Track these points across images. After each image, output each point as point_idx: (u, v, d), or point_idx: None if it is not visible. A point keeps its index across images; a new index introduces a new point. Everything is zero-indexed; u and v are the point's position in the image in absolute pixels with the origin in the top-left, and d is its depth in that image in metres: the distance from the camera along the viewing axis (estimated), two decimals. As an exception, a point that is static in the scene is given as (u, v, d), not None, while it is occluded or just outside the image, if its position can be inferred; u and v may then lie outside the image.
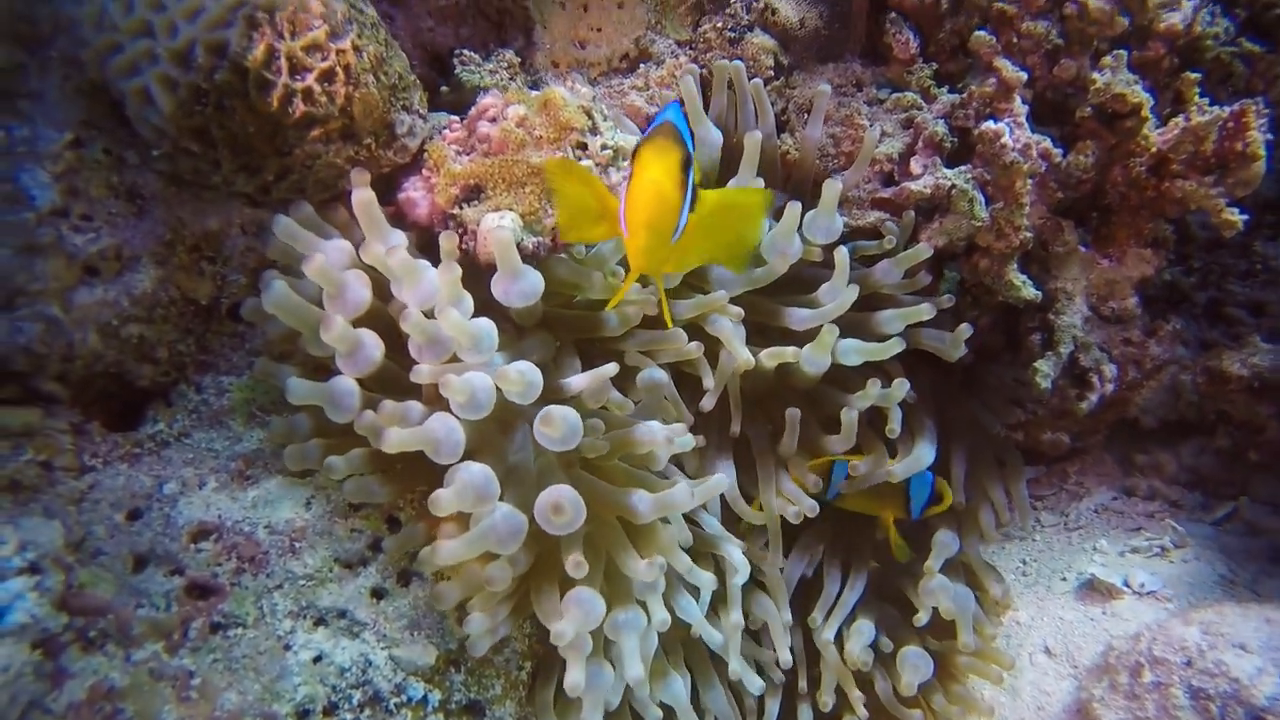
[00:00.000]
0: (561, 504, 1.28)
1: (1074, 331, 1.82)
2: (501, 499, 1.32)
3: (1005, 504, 2.06)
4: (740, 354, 1.61)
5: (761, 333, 1.80)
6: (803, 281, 1.82)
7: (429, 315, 1.36)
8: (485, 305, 1.43)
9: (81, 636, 1.16)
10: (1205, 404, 2.15)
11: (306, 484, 1.42)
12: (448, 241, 1.43)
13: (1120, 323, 1.90)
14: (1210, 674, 1.45)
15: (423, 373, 1.34)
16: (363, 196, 1.38)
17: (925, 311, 1.75)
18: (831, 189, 1.71)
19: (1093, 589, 1.93)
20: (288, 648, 1.29)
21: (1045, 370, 1.81)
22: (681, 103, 1.64)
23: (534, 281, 1.41)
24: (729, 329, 1.65)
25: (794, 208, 1.66)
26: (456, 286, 1.35)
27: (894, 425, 1.74)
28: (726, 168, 1.85)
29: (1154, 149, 1.70)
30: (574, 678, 1.29)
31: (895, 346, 1.71)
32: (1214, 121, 1.61)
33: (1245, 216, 1.67)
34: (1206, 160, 1.66)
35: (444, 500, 1.25)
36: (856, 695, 1.71)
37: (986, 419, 2.13)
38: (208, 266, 1.47)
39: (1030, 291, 1.80)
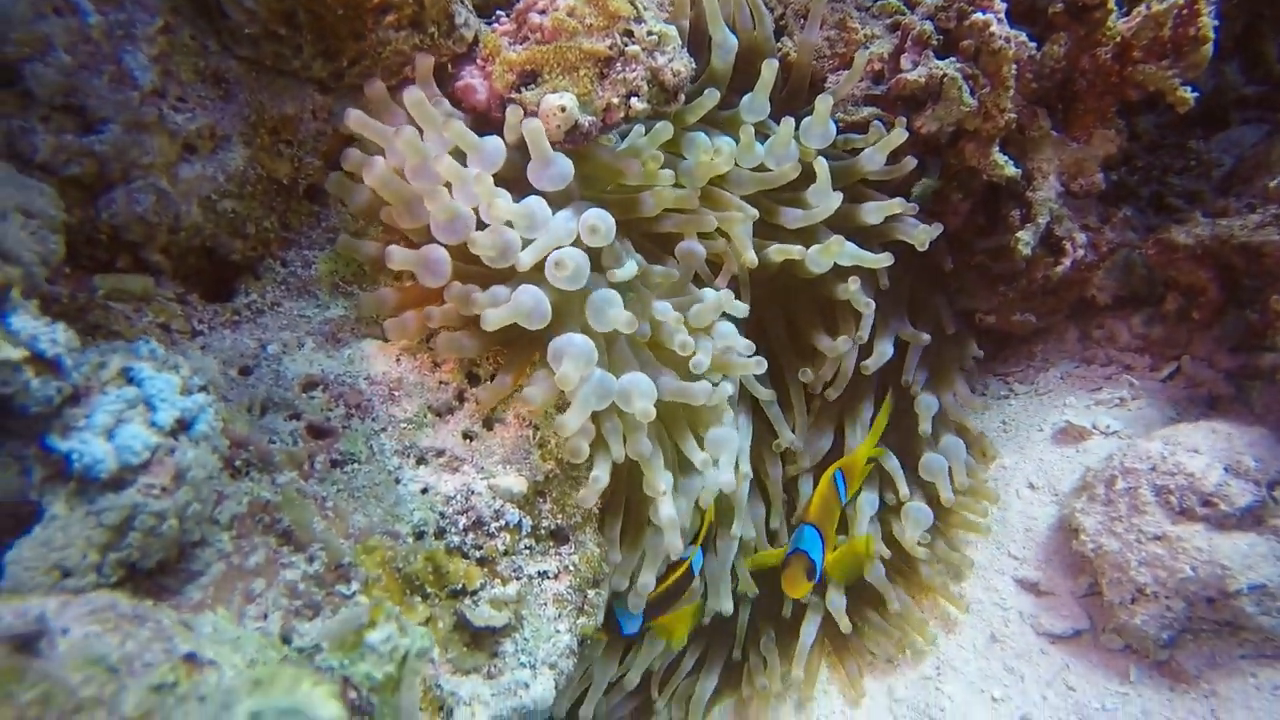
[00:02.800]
0: (648, 391, 1.48)
1: (1050, 205, 2.07)
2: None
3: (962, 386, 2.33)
4: (748, 256, 1.82)
5: (763, 224, 2.00)
6: (800, 179, 2.01)
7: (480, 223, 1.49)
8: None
9: (229, 465, 1.30)
10: (1154, 276, 2.44)
11: (394, 344, 1.57)
12: (514, 115, 1.57)
13: (1088, 198, 2.15)
14: (1170, 473, 1.73)
15: (525, 261, 1.49)
16: (414, 96, 1.49)
17: (899, 205, 1.98)
18: (824, 103, 1.90)
19: (1066, 434, 2.21)
20: (398, 481, 1.45)
21: (1026, 239, 2.05)
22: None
23: (564, 166, 1.56)
24: (740, 233, 1.84)
25: (788, 123, 1.87)
26: (490, 189, 1.47)
27: (864, 332, 1.99)
28: (735, 71, 2.00)
29: (1118, 37, 1.93)
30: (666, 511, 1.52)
31: (885, 260, 1.94)
32: (1171, 9, 1.85)
33: (1195, 94, 1.91)
34: (1163, 45, 1.90)
35: (569, 374, 1.43)
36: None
37: (950, 307, 2.37)
38: (285, 149, 1.57)
39: (1011, 169, 2.03)
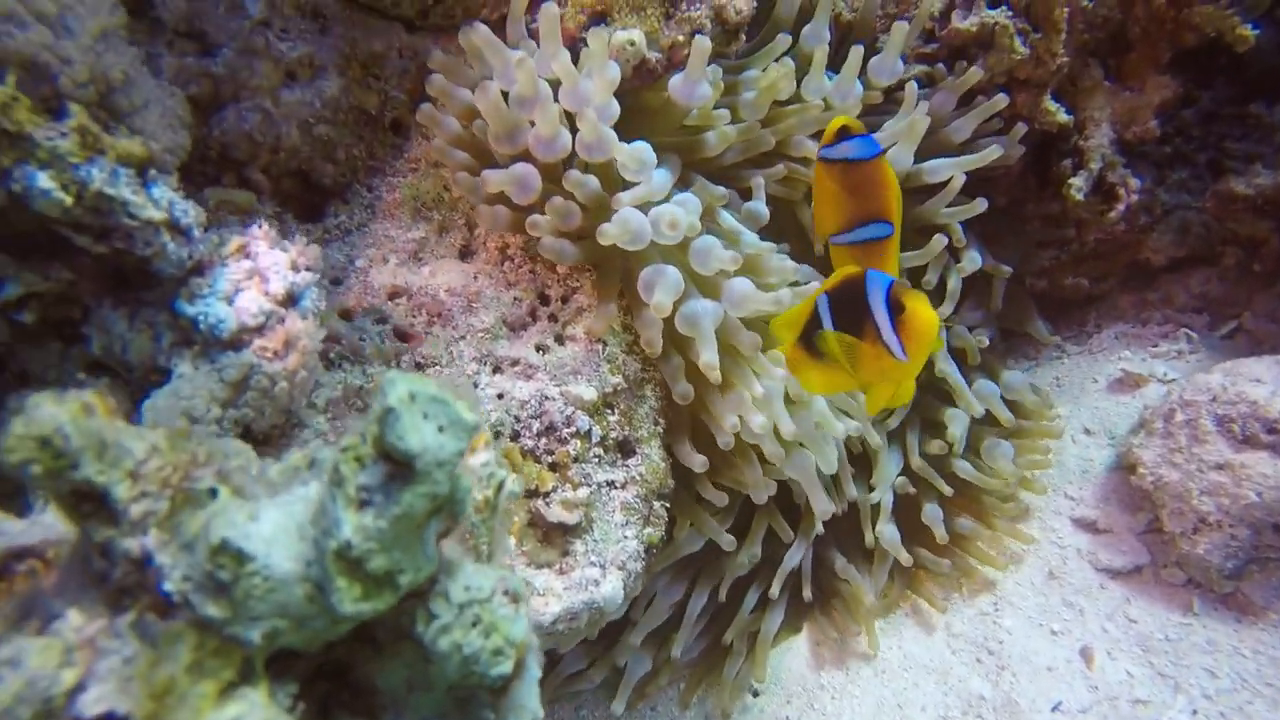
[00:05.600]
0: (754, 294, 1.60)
1: (1102, 150, 2.09)
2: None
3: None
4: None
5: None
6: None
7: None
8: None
9: (324, 357, 1.39)
10: (1212, 235, 2.44)
11: (470, 264, 1.66)
12: (595, 40, 1.66)
13: (1142, 146, 2.17)
14: (1232, 402, 1.73)
15: (623, 199, 1.56)
16: (550, 10, 1.56)
17: (996, 152, 1.97)
18: (900, 30, 1.94)
19: (1122, 383, 2.21)
20: (476, 385, 1.53)
21: (1078, 185, 2.08)
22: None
23: (705, 90, 1.66)
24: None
25: (856, 52, 1.89)
26: (609, 90, 1.57)
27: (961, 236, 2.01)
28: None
29: (1173, -19, 1.96)
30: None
31: (994, 153, 1.92)
32: (1227, -52, 1.88)
33: (1256, 30, 1.93)
34: (1220, -15, 1.93)
35: (664, 303, 1.53)
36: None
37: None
38: (374, 82, 1.69)
39: (1064, 116, 2.07)
